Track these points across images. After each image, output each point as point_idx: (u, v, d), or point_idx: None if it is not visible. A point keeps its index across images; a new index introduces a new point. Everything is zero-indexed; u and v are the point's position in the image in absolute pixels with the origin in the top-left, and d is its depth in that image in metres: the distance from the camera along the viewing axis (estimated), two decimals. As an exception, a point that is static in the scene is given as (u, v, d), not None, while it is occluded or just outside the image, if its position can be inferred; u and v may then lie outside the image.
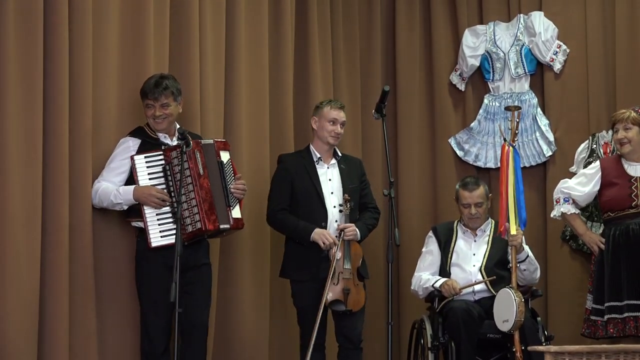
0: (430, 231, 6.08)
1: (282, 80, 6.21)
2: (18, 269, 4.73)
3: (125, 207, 5.10)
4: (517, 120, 5.66)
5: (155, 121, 5.18)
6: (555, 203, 5.92)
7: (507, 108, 5.77)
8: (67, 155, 4.95)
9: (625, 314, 5.56)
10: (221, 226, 5.11)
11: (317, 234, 5.47)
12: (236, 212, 5.22)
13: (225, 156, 5.26)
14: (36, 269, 4.80)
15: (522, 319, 5.27)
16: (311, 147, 5.73)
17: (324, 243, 5.43)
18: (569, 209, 5.85)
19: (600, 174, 5.78)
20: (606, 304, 5.62)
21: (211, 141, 5.23)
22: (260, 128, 6.01)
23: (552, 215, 6.00)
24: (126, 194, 5.04)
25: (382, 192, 5.54)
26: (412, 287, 5.96)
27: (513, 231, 5.46)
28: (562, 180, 5.98)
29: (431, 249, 5.99)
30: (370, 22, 6.92)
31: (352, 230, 5.49)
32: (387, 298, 5.32)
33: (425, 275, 5.88)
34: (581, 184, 5.84)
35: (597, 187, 5.79)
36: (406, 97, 6.93)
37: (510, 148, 5.53)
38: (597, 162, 5.89)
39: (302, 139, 6.25)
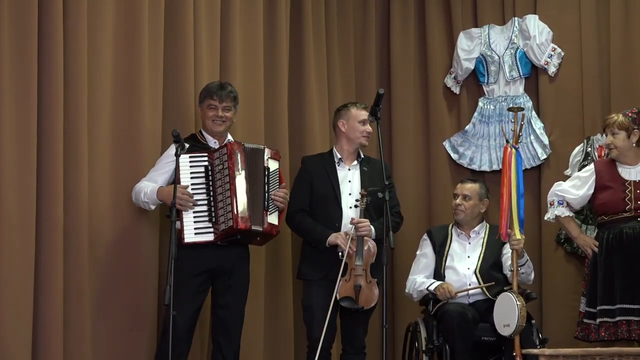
0: (425, 234, 6.08)
1: (276, 83, 6.21)
2: (12, 271, 4.73)
3: (153, 207, 5.17)
4: (522, 122, 5.66)
5: (215, 122, 5.29)
6: (549, 206, 5.90)
7: (510, 109, 5.76)
8: (61, 157, 4.95)
9: (617, 318, 5.54)
10: (253, 227, 5.13)
11: (333, 236, 5.47)
12: (273, 218, 5.25)
13: (273, 165, 5.32)
14: (30, 271, 4.80)
15: (524, 323, 5.25)
16: (334, 149, 5.75)
17: (342, 243, 5.42)
18: (563, 211, 5.84)
19: (594, 177, 5.77)
20: (598, 308, 5.60)
21: (262, 147, 5.33)
22: (254, 131, 5.99)
23: (545, 218, 5.98)
24: (152, 194, 5.11)
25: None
26: (406, 290, 5.96)
27: (518, 235, 5.46)
28: (556, 183, 5.96)
29: (425, 251, 5.99)
30: (365, 25, 6.91)
31: (366, 225, 5.46)
32: (381, 301, 5.31)
33: (419, 278, 5.88)
34: (575, 186, 5.83)
35: (592, 190, 5.77)
36: (401, 100, 6.92)
37: (513, 150, 5.52)
38: (592, 165, 5.87)
39: (297, 142, 6.25)
